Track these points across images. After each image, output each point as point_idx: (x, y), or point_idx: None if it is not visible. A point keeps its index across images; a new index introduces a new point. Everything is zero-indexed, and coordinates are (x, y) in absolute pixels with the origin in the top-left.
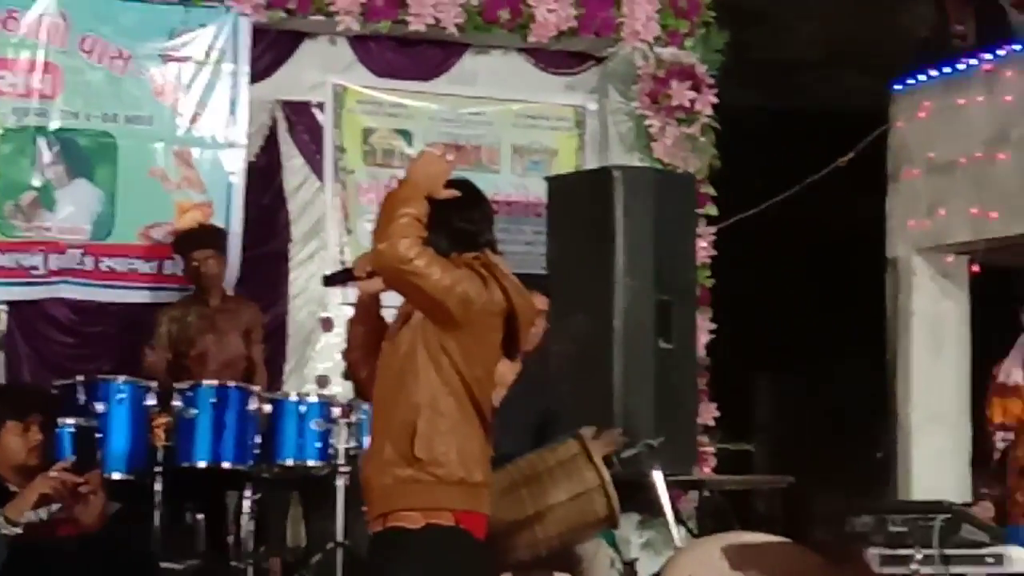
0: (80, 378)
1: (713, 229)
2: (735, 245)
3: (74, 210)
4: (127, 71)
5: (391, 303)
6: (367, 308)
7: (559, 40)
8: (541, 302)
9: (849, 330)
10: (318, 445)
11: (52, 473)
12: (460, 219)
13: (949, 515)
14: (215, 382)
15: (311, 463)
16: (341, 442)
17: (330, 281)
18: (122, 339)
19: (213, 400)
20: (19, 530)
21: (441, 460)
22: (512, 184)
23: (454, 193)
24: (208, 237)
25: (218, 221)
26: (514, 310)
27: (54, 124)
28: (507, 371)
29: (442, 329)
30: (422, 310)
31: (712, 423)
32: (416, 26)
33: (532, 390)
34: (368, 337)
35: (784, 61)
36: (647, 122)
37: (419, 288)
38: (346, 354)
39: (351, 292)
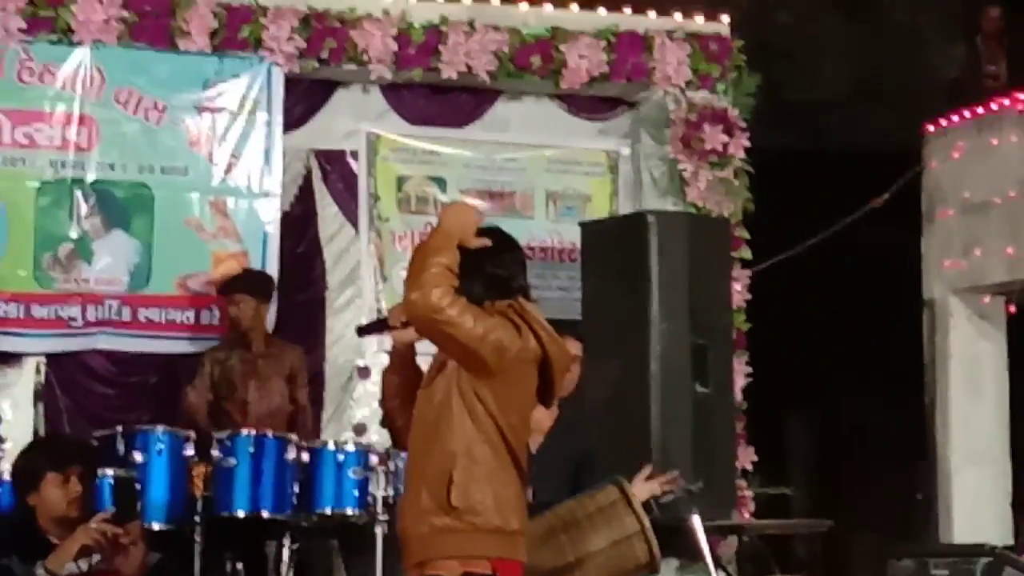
0: (119, 429)
1: (748, 272)
2: (770, 287)
3: (111, 261)
4: (162, 122)
5: (426, 351)
6: (402, 357)
7: (591, 86)
8: (576, 348)
9: (886, 371)
10: (356, 493)
11: (92, 524)
12: (492, 266)
13: (991, 558)
14: (253, 431)
15: (349, 511)
16: (379, 490)
17: (364, 331)
18: (160, 389)
19: (251, 449)
20: None
21: (477, 508)
22: (546, 230)
23: (485, 242)
24: (244, 283)
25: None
26: (548, 357)
27: (91, 176)
28: (543, 418)
29: (476, 377)
30: (456, 359)
31: (750, 467)
32: (448, 73)
33: (569, 436)
34: (403, 386)
35: (814, 102)
36: (680, 166)
37: (452, 337)
38: (382, 403)
39: (387, 340)
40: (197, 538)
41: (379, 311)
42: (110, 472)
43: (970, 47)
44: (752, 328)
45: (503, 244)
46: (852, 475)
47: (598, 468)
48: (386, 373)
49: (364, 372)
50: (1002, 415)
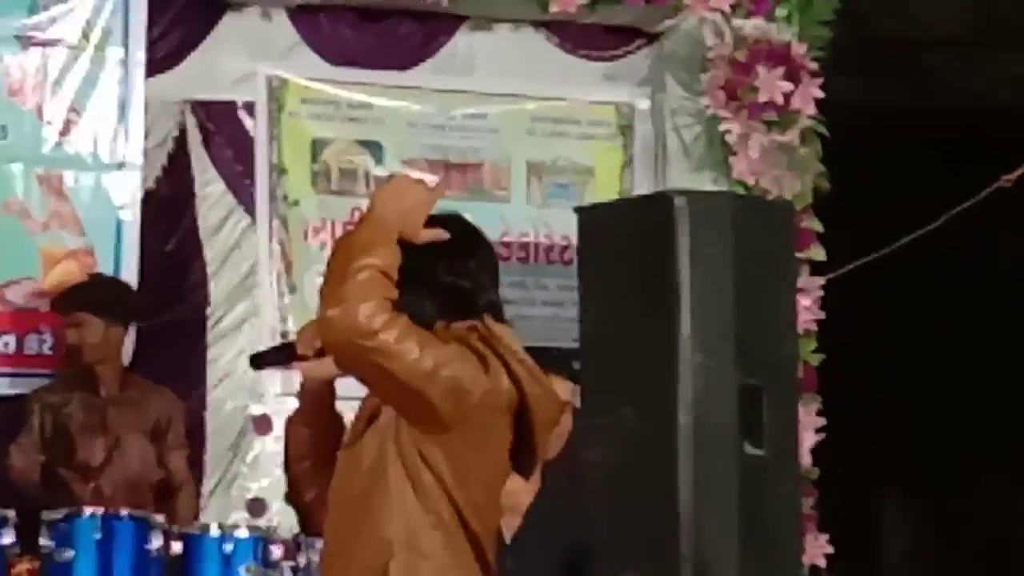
0: None
1: (821, 280)
2: (853, 303)
3: None
4: None
5: (351, 394)
6: (316, 401)
7: (593, 9)
8: (566, 390)
9: (1015, 424)
10: None
11: None
12: (449, 272)
13: None
14: (100, 510)
15: None
16: None
17: (262, 362)
18: None
19: (98, 536)
20: None
21: None
22: (528, 219)
23: (439, 234)
24: (85, 294)
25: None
26: (528, 404)
27: None
28: (520, 491)
29: (423, 432)
30: (393, 405)
31: (823, 562)
32: None
33: (558, 518)
34: (317, 443)
35: (917, 40)
36: (723, 126)
37: (388, 373)
38: (287, 468)
39: (295, 376)
40: None
41: (284, 336)
42: None
43: None
44: (827, 362)
45: (465, 240)
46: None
47: (602, 564)
48: (293, 424)
49: (262, 424)
50: None
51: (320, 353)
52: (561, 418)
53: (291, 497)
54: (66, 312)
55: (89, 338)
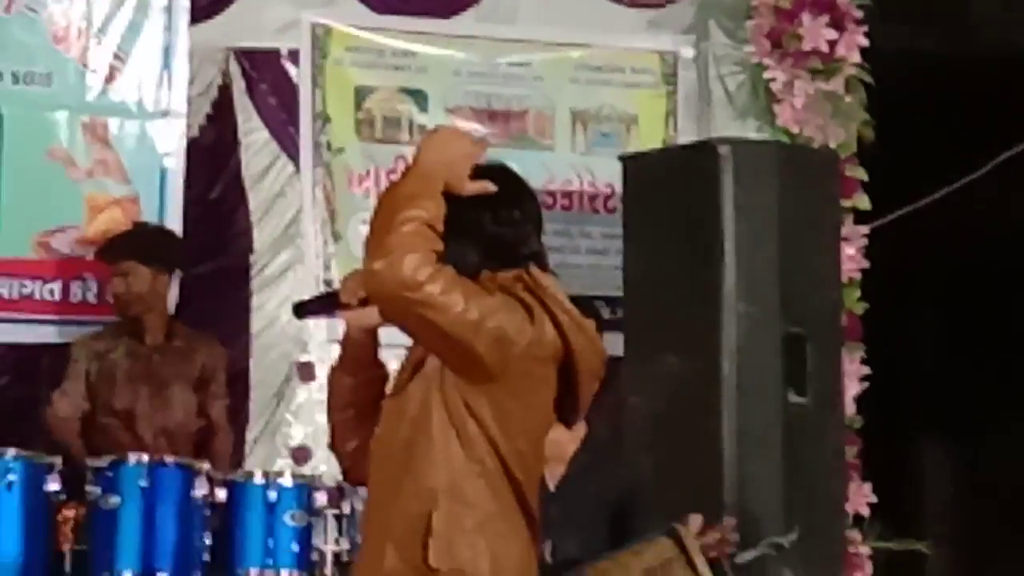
0: None
1: (865, 229)
2: (898, 252)
3: None
4: (14, 8)
5: (395, 342)
6: (359, 351)
7: None
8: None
9: None
10: (295, 548)
11: None
12: (494, 222)
13: None
14: (145, 457)
15: (285, 574)
16: (328, 543)
17: (305, 311)
18: (10, 396)
19: (143, 483)
20: None
21: (467, 570)
22: (572, 167)
23: (485, 186)
24: (133, 243)
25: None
26: (573, 354)
27: None
28: (565, 440)
29: (468, 383)
30: (439, 355)
31: (866, 512)
32: None
33: (603, 467)
34: (360, 392)
35: None
36: (768, 75)
37: (433, 324)
38: (330, 416)
39: (338, 325)
40: None
41: (327, 284)
42: None
43: None
44: (871, 311)
45: (510, 191)
46: (1012, 523)
47: (646, 512)
48: (336, 372)
49: (307, 371)
50: None
51: (364, 302)
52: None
53: (333, 446)
54: (113, 261)
55: (136, 287)
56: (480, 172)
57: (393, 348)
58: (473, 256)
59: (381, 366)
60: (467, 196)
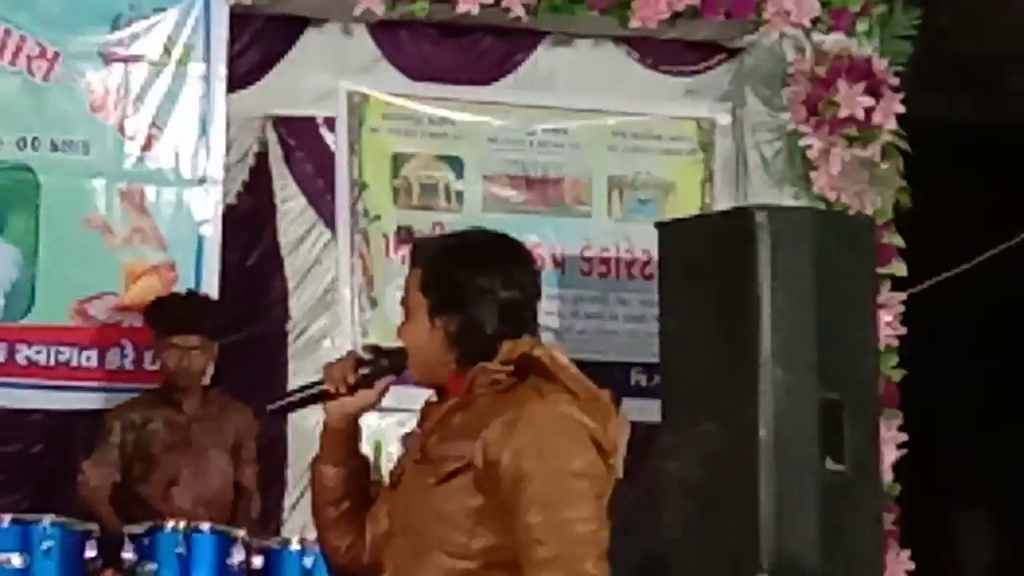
0: None
1: (902, 296)
2: (935, 319)
3: None
4: (53, 76)
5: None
6: (343, 440)
7: (674, 25)
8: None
9: None
10: None
11: None
12: (506, 286)
13: None
14: (182, 523)
15: None
16: None
17: (287, 408)
18: (47, 462)
19: (180, 550)
20: None
21: None
22: (609, 233)
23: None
24: (198, 316)
25: (183, 289)
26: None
27: None
28: None
29: None
30: None
31: None
32: (467, 6)
33: (637, 532)
34: (351, 483)
35: (996, 56)
36: (804, 142)
37: None
38: (320, 514)
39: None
40: None
41: (366, 350)
42: None
43: None
44: (908, 378)
45: (517, 254)
46: None
47: None
48: (320, 466)
49: None
50: None
51: (352, 389)
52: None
53: (324, 545)
54: (173, 333)
55: (200, 363)
56: (481, 236)
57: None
58: (490, 324)
59: (364, 457)
60: (482, 262)
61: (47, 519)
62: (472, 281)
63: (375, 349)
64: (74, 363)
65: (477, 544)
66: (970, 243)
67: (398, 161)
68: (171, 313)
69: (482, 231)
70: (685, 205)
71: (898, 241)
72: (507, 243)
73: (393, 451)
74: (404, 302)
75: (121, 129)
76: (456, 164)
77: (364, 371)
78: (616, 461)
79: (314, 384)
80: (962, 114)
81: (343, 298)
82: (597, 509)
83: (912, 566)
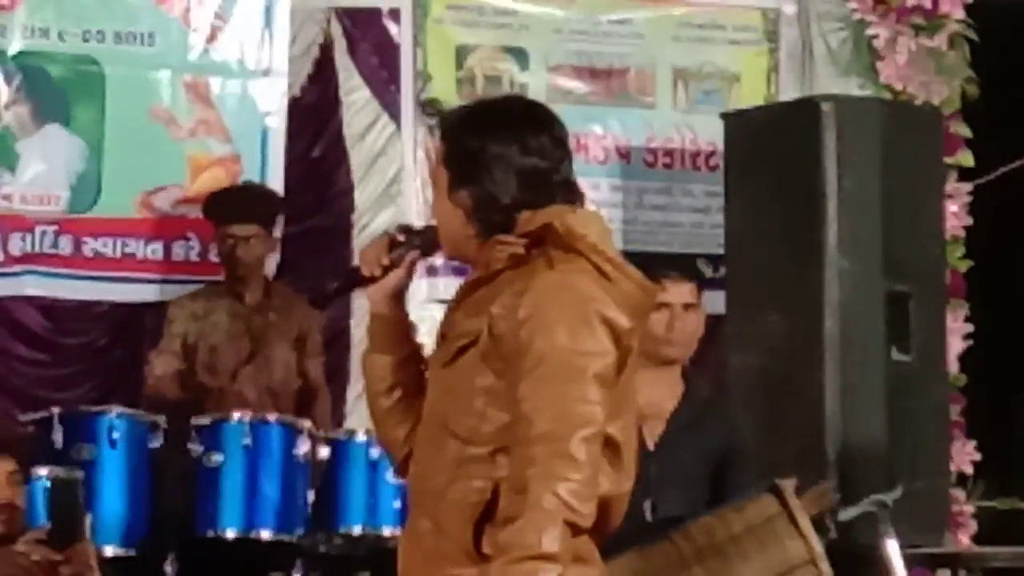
0: (55, 411)
1: (969, 186)
2: (1004, 208)
3: (44, 169)
4: None
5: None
6: (390, 326)
7: None
8: (684, 293)
9: None
10: (397, 505)
11: (20, 547)
12: (522, 153)
13: None
14: (248, 415)
15: (388, 532)
16: None
17: (327, 300)
18: (114, 354)
19: (246, 442)
20: None
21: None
22: (674, 124)
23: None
24: (254, 205)
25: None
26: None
27: (14, 47)
28: (663, 398)
29: None
30: None
31: (970, 470)
32: None
33: (704, 424)
34: (402, 371)
35: None
36: (870, 31)
37: None
38: (374, 405)
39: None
40: (169, 570)
41: (387, 233)
42: (44, 472)
43: None
44: (975, 268)
45: (535, 118)
46: None
47: (748, 470)
48: (370, 356)
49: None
50: None
51: (386, 270)
52: (655, 308)
53: (381, 437)
54: (231, 222)
55: (258, 251)
56: (500, 102)
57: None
58: (507, 194)
59: (415, 341)
60: (495, 128)
61: (114, 410)
62: (485, 150)
63: (407, 228)
64: (140, 255)
65: (487, 427)
66: None
67: (462, 53)
68: (228, 202)
69: (505, 97)
70: (750, 96)
71: (965, 131)
72: (526, 108)
73: None
74: (433, 176)
75: (186, 21)
76: (520, 55)
77: (398, 251)
78: (632, 343)
79: (353, 269)
80: None
81: (407, 190)
82: (592, 388)
83: (978, 456)
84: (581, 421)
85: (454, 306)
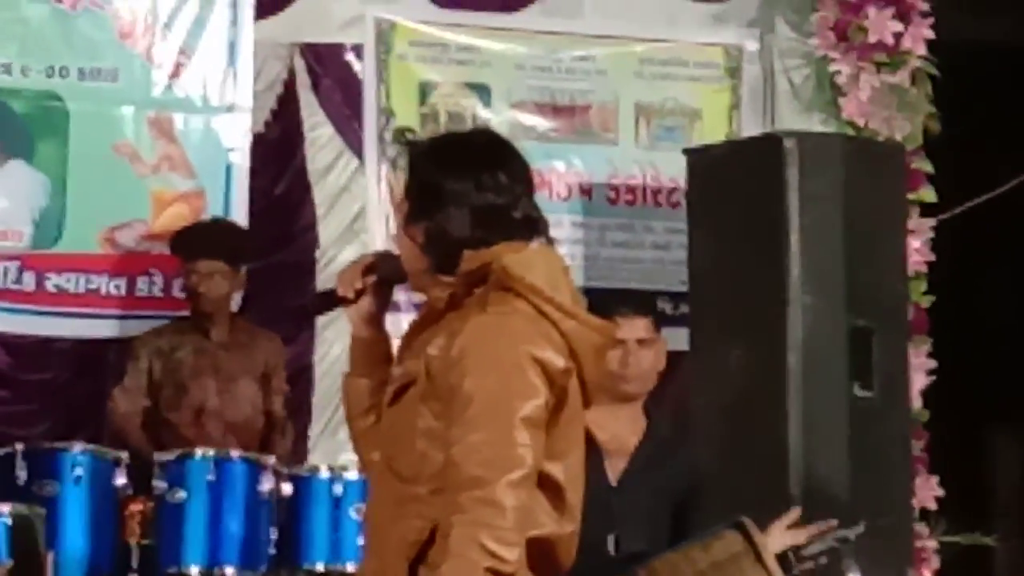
0: (18, 447)
1: (932, 222)
2: (964, 245)
3: (7, 205)
4: (81, 4)
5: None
6: (367, 348)
7: None
8: (640, 328)
9: None
10: (360, 542)
11: None
12: (480, 189)
13: None
14: (212, 451)
15: (351, 568)
16: None
17: (315, 308)
18: (78, 390)
19: (210, 477)
20: None
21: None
22: (636, 161)
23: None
24: (220, 241)
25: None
26: (573, 349)
27: None
28: (626, 434)
29: None
30: None
31: (934, 505)
32: None
33: (666, 460)
34: (378, 395)
35: None
36: (833, 67)
37: None
38: (351, 426)
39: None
40: None
41: (365, 256)
42: (5, 509)
43: None
44: (937, 303)
45: (493, 153)
46: None
47: (711, 506)
48: (349, 378)
49: None
50: None
51: (360, 294)
52: (612, 345)
53: (359, 458)
54: (195, 259)
55: (222, 288)
56: (461, 136)
57: None
58: (460, 230)
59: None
60: (451, 164)
61: (77, 446)
62: (441, 186)
63: (384, 255)
64: (103, 291)
65: (428, 468)
66: (1000, 168)
67: (425, 89)
68: (194, 239)
69: (469, 132)
70: (712, 132)
71: (927, 167)
72: (486, 144)
73: None
74: (397, 207)
75: (149, 57)
76: (483, 91)
77: (371, 276)
78: (569, 383)
79: (331, 290)
80: (992, 37)
81: (372, 225)
82: (520, 431)
83: (941, 492)
84: (509, 465)
85: (403, 345)
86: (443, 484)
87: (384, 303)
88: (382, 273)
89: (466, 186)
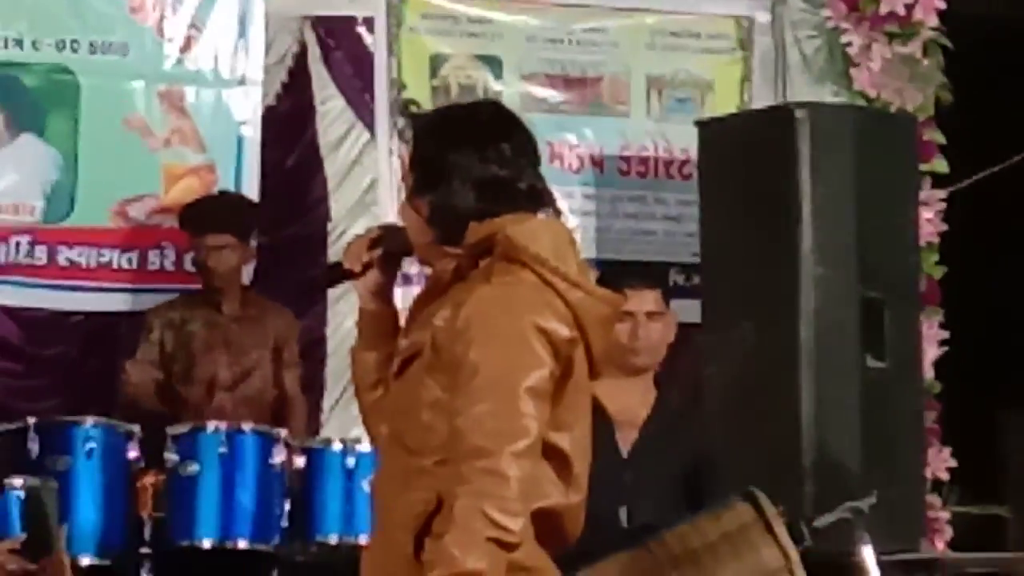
0: (30, 421)
1: (943, 193)
2: (977, 215)
3: (18, 180)
4: None
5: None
6: (375, 322)
7: None
8: (649, 301)
9: None
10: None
11: None
12: (483, 161)
13: None
14: (224, 425)
15: (364, 540)
16: None
17: (324, 280)
18: (89, 364)
19: (222, 450)
20: None
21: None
22: (647, 132)
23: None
24: (229, 215)
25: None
26: (578, 318)
27: None
28: (636, 406)
29: None
30: None
31: (946, 476)
32: None
33: (679, 432)
34: (385, 369)
35: None
36: (844, 39)
37: None
38: (359, 399)
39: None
40: None
41: (372, 230)
42: (18, 483)
43: None
44: (949, 275)
45: (497, 125)
46: None
47: (722, 478)
48: (357, 351)
49: None
50: None
51: (367, 267)
52: (619, 316)
53: (368, 432)
54: (204, 233)
55: (232, 262)
56: (466, 108)
57: None
58: (464, 203)
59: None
60: (454, 137)
61: (89, 420)
62: (444, 158)
63: (390, 228)
64: (115, 265)
65: (435, 439)
66: (1012, 139)
67: (436, 61)
68: (202, 213)
69: (473, 103)
70: (724, 104)
71: (939, 138)
72: (491, 115)
73: None
74: (404, 179)
75: (160, 30)
76: (494, 64)
77: (378, 249)
78: (575, 354)
79: (337, 263)
80: (1003, 8)
81: (383, 198)
82: (525, 401)
83: (953, 463)
84: (512, 436)
85: (410, 317)
86: (448, 455)
87: (391, 276)
88: (388, 246)
89: (470, 158)
